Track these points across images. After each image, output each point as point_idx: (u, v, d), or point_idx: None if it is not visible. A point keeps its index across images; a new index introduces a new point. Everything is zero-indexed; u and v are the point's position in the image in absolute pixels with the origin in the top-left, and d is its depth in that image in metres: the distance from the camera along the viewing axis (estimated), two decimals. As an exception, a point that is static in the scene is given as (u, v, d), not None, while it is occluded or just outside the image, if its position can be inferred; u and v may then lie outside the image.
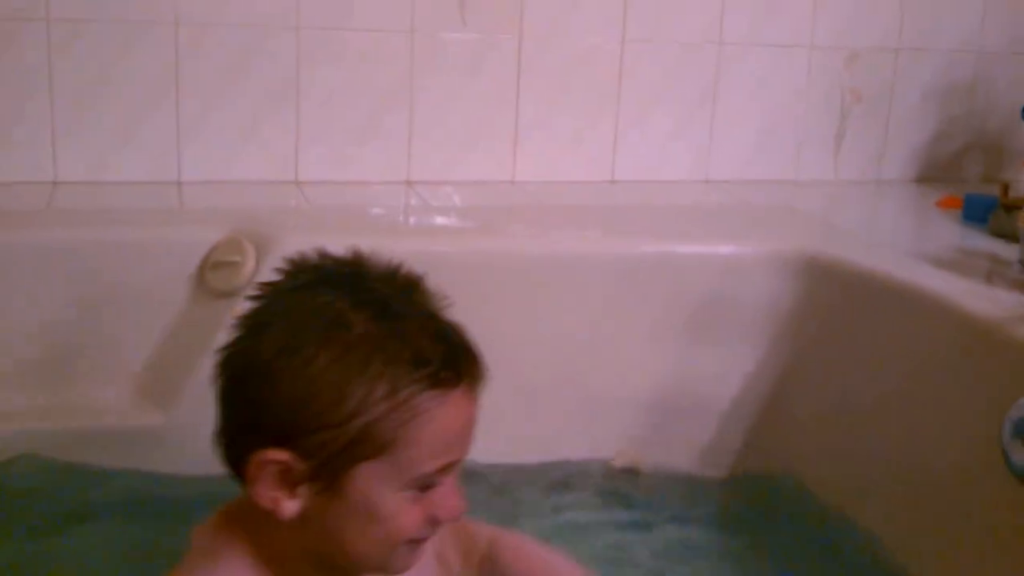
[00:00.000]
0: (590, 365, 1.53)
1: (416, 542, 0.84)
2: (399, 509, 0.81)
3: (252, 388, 0.80)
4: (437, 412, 0.79)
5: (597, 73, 1.83)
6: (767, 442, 1.56)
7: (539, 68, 1.79)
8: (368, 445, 0.78)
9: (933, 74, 1.99)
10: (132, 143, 1.65)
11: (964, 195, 1.81)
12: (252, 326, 0.82)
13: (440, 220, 1.65)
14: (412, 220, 1.69)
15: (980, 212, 1.74)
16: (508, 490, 1.46)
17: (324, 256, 0.85)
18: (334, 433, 0.78)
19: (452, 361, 0.81)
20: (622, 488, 1.52)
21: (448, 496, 0.83)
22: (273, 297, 0.84)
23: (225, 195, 1.66)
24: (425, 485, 0.81)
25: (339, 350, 0.78)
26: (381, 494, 0.80)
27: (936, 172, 2.05)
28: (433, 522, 0.83)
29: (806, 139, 1.97)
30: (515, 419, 1.48)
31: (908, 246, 1.69)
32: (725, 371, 1.56)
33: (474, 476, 1.41)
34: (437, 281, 1.36)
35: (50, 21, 1.58)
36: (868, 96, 1.97)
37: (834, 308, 1.51)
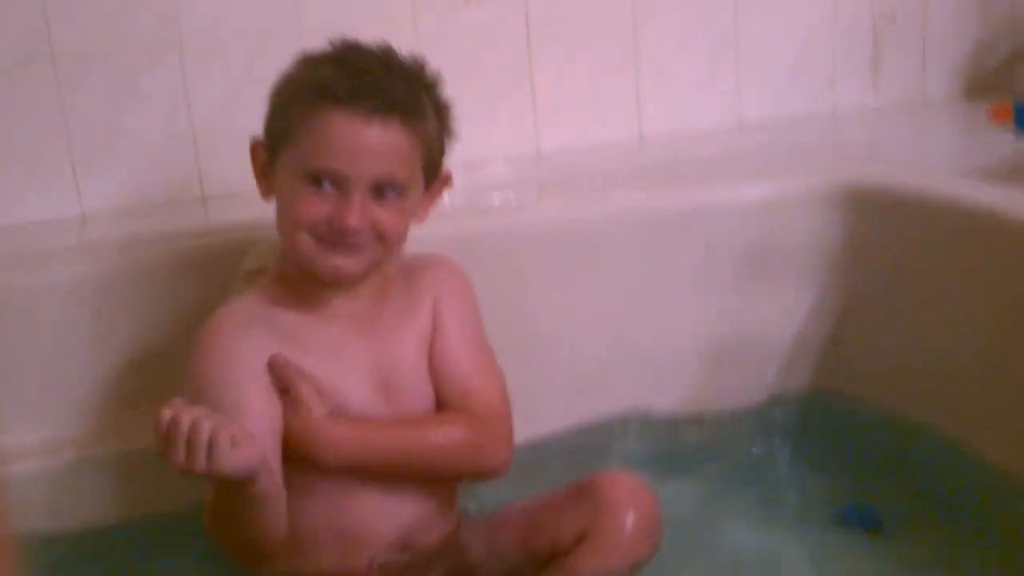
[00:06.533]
0: (639, 324, 1.48)
1: (323, 240, 1.09)
2: (298, 193, 1.09)
3: None
4: (321, 118, 1.08)
5: (611, 28, 1.75)
6: (832, 375, 1.52)
7: (550, 33, 1.73)
8: (282, 134, 1.11)
9: (967, -18, 1.88)
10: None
11: (1014, 104, 1.71)
12: None
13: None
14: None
15: (1034, 119, 1.64)
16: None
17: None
18: (271, 125, 1.14)
19: (347, 91, 1.08)
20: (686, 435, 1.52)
21: (344, 206, 1.08)
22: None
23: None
24: (314, 177, 1.08)
25: (296, 79, 1.13)
26: (287, 176, 1.11)
27: (983, 85, 1.93)
28: (328, 223, 1.08)
29: (840, 68, 1.87)
30: (569, 382, 1.47)
31: (959, 163, 1.61)
32: (778, 313, 1.50)
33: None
34: (475, 258, 1.33)
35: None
36: (901, 15, 1.87)
37: (885, 234, 1.45)
